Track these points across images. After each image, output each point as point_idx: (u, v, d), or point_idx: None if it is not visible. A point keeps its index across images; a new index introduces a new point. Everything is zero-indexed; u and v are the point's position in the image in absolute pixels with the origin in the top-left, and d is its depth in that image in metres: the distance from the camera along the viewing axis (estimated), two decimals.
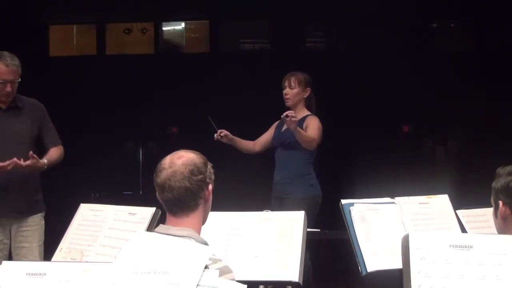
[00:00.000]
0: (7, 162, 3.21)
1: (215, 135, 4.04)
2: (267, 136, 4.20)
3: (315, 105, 4.10)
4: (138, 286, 1.47)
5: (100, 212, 2.62)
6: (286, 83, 4.00)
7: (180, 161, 1.83)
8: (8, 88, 3.32)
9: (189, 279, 1.45)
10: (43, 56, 8.97)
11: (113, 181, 8.05)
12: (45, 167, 3.40)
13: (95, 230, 2.56)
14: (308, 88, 4.02)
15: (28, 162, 3.26)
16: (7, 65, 3.31)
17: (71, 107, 7.79)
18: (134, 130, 8.71)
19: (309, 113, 4.03)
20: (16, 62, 3.36)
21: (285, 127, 3.99)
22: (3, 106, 3.43)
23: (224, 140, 4.06)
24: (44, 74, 7.91)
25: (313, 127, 3.92)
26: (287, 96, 3.99)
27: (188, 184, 1.81)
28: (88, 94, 8.26)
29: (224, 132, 4.04)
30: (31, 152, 3.29)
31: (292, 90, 3.98)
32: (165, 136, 8.81)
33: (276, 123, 4.18)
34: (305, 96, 4.02)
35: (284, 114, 3.63)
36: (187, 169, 1.82)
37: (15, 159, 3.23)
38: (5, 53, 3.35)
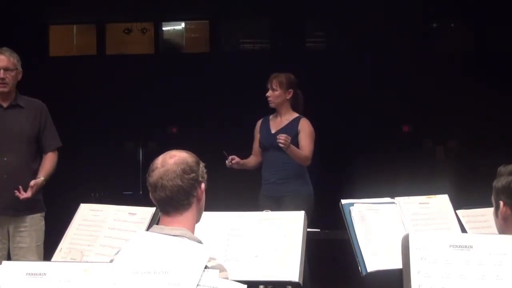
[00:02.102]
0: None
1: (227, 162, 4.06)
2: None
3: (302, 103, 4.12)
4: (138, 286, 1.47)
5: (100, 212, 2.61)
6: (269, 85, 4.05)
7: (172, 160, 1.84)
8: (2, 75, 3.36)
9: (189, 279, 1.45)
10: (43, 56, 8.97)
11: (113, 181, 8.05)
12: (44, 182, 3.44)
13: (95, 230, 2.55)
14: (291, 90, 4.05)
15: (29, 192, 3.32)
16: (0, 53, 3.39)
17: (71, 107, 7.79)
18: (134, 130, 8.71)
19: (297, 114, 4.07)
20: (13, 54, 3.43)
21: (274, 128, 4.04)
22: (4, 105, 3.44)
23: (235, 166, 4.08)
24: (44, 74, 7.91)
25: (305, 136, 3.96)
26: (269, 99, 4.05)
27: (180, 183, 1.81)
28: (88, 94, 8.26)
29: (236, 159, 4.06)
30: (32, 182, 3.34)
31: (274, 92, 4.03)
32: (165, 136, 8.81)
33: (259, 123, 4.20)
34: (287, 98, 4.05)
35: (278, 140, 3.75)
36: (179, 168, 1.82)
37: (16, 193, 3.30)
38: (3, 47, 3.45)
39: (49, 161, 3.52)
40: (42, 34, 9.24)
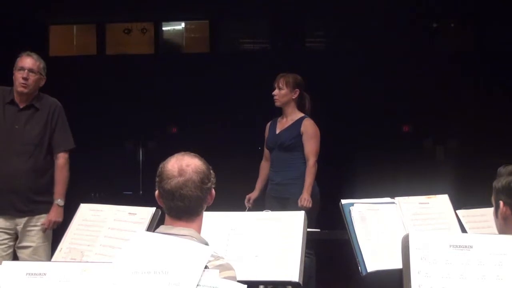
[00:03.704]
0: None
1: (246, 204, 4.14)
2: None
3: (309, 105, 4.13)
4: (138, 286, 1.47)
5: (100, 212, 2.61)
6: (276, 84, 4.07)
7: (190, 169, 1.80)
8: (25, 75, 3.38)
9: (189, 279, 1.45)
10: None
11: (113, 181, 8.05)
12: (62, 202, 3.46)
13: (95, 230, 2.55)
14: (297, 90, 4.06)
15: (48, 222, 3.41)
16: (28, 55, 3.45)
17: (71, 107, 7.78)
18: (134, 130, 8.71)
19: (302, 114, 4.07)
20: (41, 60, 3.50)
21: (279, 129, 4.06)
22: (21, 105, 3.44)
23: (255, 199, 4.16)
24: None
25: (308, 138, 3.98)
26: (275, 97, 4.08)
27: (200, 193, 1.80)
28: (88, 94, 8.26)
29: (251, 198, 4.14)
30: (44, 224, 3.40)
31: (280, 91, 4.06)
32: (165, 136, 8.82)
33: (268, 126, 4.22)
34: (293, 97, 4.07)
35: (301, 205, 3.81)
36: (199, 178, 1.80)
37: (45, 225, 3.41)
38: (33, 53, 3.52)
39: (60, 172, 3.49)
40: (42, 34, 9.24)
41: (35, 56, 3.47)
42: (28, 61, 3.43)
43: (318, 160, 4.02)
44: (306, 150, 3.98)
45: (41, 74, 3.47)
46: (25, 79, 3.38)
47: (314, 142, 4.00)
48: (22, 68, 3.40)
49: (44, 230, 3.41)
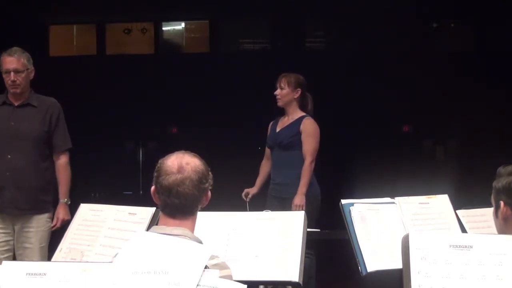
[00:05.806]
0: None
1: (243, 197, 4.15)
2: None
3: (311, 105, 4.13)
4: (138, 286, 1.47)
5: (100, 212, 2.61)
6: (278, 84, 4.08)
7: (189, 167, 1.81)
8: (12, 77, 3.35)
9: (189, 279, 1.45)
10: (43, 56, 8.97)
11: (113, 181, 8.05)
12: (68, 201, 3.48)
13: (95, 230, 2.55)
14: (299, 89, 4.06)
15: (58, 221, 3.42)
16: (9, 54, 3.37)
17: (71, 107, 7.77)
18: (134, 130, 8.71)
19: (303, 114, 4.07)
20: (23, 54, 3.41)
21: (279, 127, 4.06)
22: (16, 103, 3.43)
23: (254, 195, 4.17)
24: (44, 74, 7.89)
25: (306, 137, 3.97)
26: (277, 97, 4.08)
27: (196, 193, 1.81)
28: (88, 94, 8.26)
29: (250, 193, 4.14)
30: (53, 223, 3.42)
31: (282, 91, 4.06)
32: (165, 136, 8.82)
33: (270, 124, 4.23)
34: (295, 97, 4.06)
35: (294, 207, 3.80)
36: (197, 177, 1.80)
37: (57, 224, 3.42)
38: (14, 47, 3.42)
39: (63, 172, 3.51)
40: (42, 34, 9.24)
41: (16, 54, 3.38)
42: (11, 61, 3.36)
43: (317, 160, 4.01)
44: (304, 148, 3.96)
45: (27, 68, 3.43)
46: (13, 81, 3.36)
47: (312, 141, 3.98)
48: (8, 71, 3.36)
49: (51, 228, 3.40)
